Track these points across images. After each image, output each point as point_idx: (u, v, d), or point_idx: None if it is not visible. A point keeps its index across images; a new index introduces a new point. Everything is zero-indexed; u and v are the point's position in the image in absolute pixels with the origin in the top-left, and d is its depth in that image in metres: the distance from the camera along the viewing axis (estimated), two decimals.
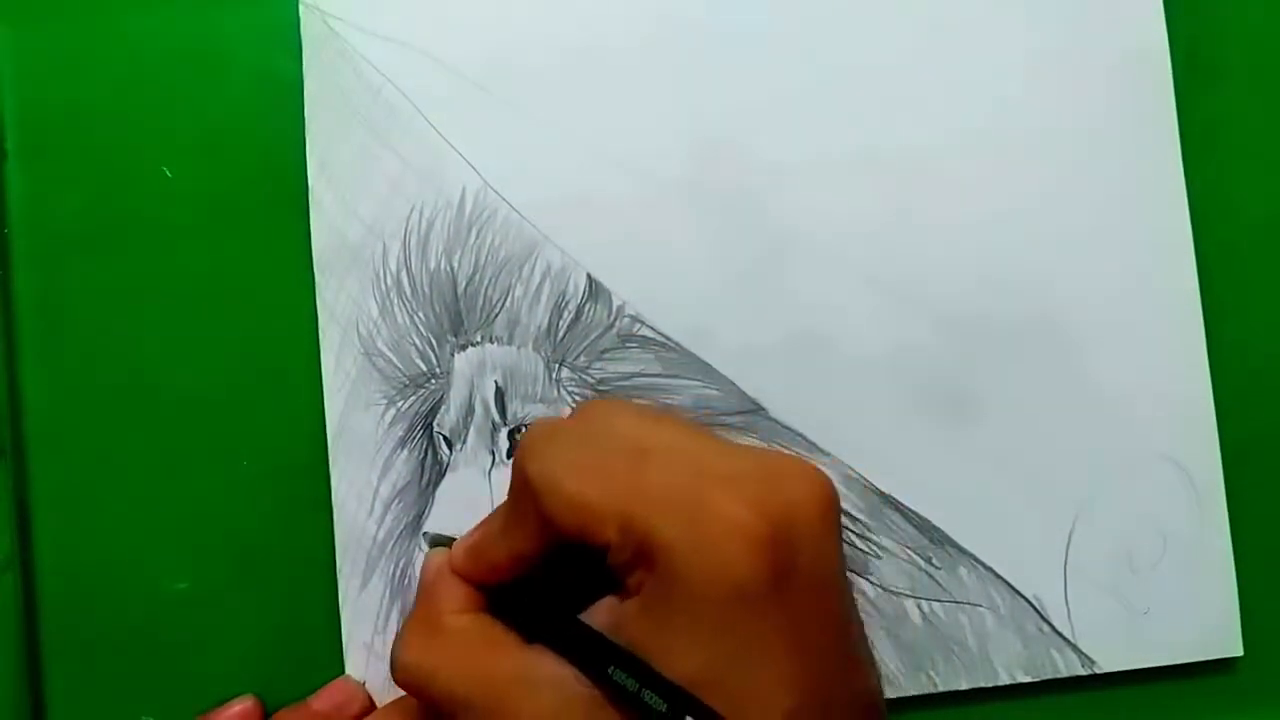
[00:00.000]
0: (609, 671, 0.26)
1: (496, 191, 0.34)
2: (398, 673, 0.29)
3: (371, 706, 0.33)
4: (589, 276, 0.34)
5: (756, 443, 0.33)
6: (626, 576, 0.26)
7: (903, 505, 0.33)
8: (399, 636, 0.29)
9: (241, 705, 0.33)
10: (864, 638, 0.29)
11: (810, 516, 0.26)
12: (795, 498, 0.26)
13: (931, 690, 0.33)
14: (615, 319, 0.34)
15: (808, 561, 0.26)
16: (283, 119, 0.34)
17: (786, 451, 0.27)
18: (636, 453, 0.27)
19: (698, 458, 0.27)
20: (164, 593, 0.34)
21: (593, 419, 0.30)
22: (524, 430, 0.29)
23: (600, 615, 0.27)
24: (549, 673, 0.27)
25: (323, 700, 0.33)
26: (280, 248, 0.34)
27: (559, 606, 0.28)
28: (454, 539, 0.32)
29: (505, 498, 0.30)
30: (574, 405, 0.33)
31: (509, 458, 0.33)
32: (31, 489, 0.34)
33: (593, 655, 0.26)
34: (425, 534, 0.33)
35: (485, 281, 0.34)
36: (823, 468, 0.29)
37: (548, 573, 0.29)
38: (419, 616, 0.30)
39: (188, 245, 0.34)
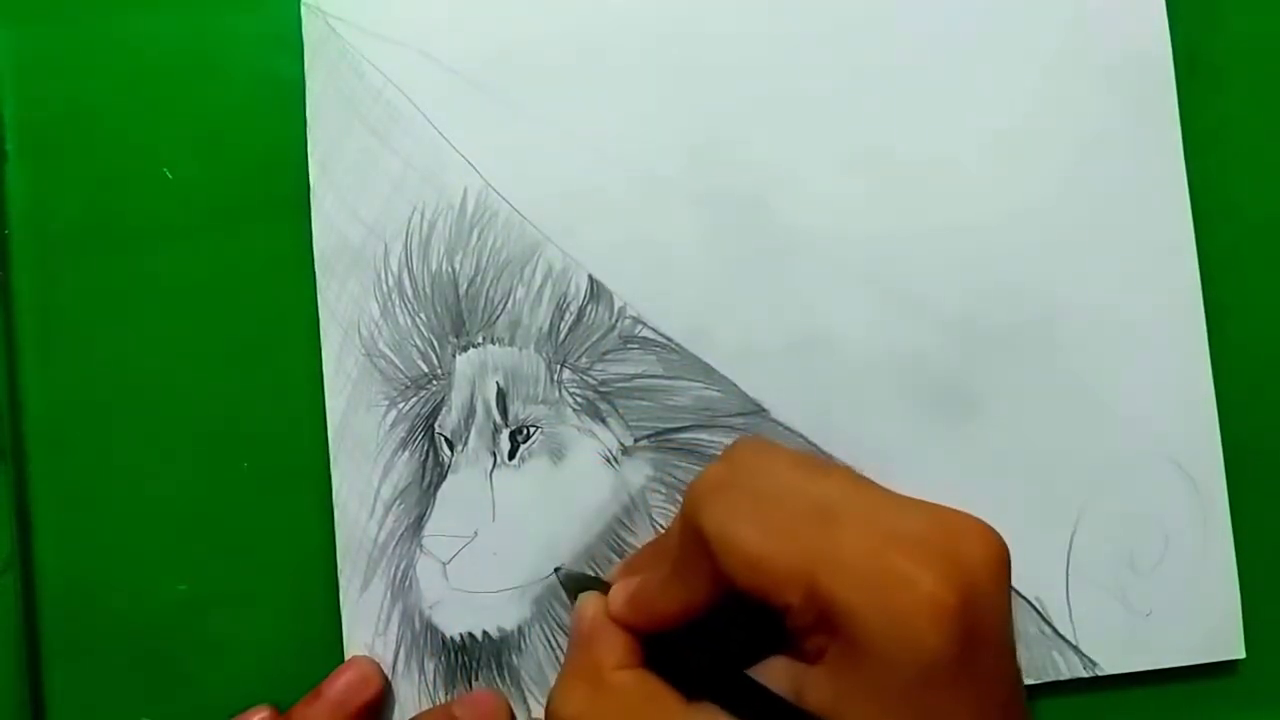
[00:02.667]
0: None
1: (498, 192, 0.34)
2: None
3: (385, 684, 0.33)
4: (590, 278, 0.33)
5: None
6: (806, 639, 0.26)
7: None
8: (558, 687, 0.29)
9: (260, 717, 0.32)
10: (1023, 685, 0.28)
11: (990, 581, 0.26)
12: (976, 562, 0.26)
13: None
14: (617, 320, 0.33)
15: (990, 628, 0.25)
16: (284, 120, 0.34)
17: (958, 509, 0.27)
18: (819, 513, 0.27)
19: (880, 518, 0.27)
20: (164, 594, 0.34)
21: (755, 470, 0.29)
22: (690, 484, 0.28)
23: (776, 676, 0.27)
24: None
25: (336, 688, 0.32)
26: (281, 249, 0.34)
27: (729, 663, 0.27)
28: (597, 578, 0.32)
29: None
30: (576, 408, 0.33)
31: (510, 459, 0.33)
32: (31, 490, 0.34)
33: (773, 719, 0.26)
34: (558, 570, 0.33)
35: (487, 283, 0.34)
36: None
37: (709, 624, 0.28)
38: (579, 669, 0.29)
39: (188, 246, 0.34)
